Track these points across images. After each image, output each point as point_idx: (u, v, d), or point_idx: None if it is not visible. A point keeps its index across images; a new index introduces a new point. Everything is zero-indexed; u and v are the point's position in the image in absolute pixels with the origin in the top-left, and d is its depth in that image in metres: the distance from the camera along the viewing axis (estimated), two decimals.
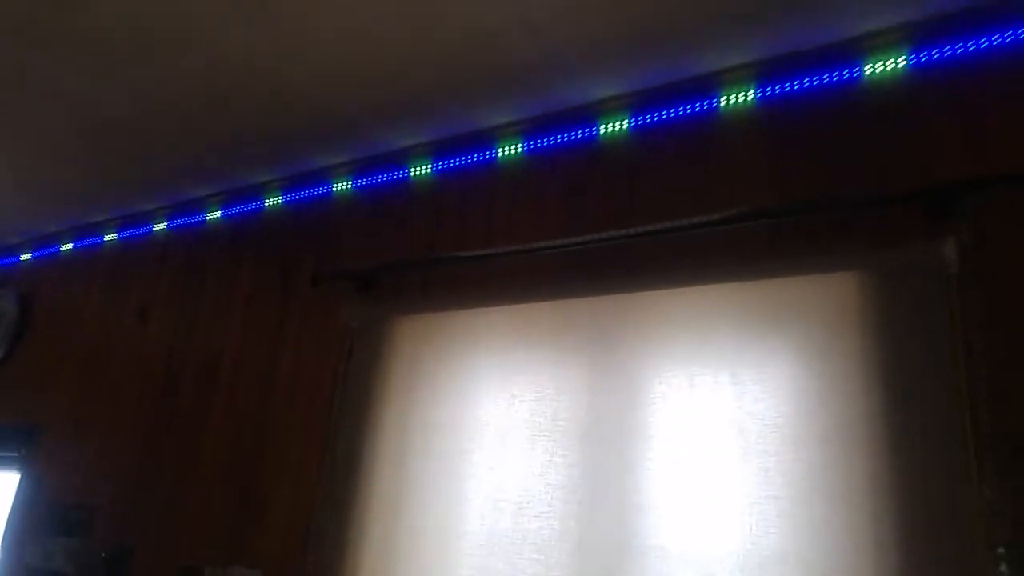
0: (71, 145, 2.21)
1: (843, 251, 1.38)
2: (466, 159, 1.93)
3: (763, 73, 1.56)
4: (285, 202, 2.26)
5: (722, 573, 1.28)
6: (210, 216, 2.43)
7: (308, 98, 1.86)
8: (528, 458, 1.55)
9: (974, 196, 1.28)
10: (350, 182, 2.12)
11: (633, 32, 1.53)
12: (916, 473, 1.20)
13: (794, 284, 1.40)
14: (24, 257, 2.97)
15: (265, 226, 2.28)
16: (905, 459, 1.22)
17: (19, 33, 1.70)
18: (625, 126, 1.71)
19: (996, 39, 1.35)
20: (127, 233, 2.64)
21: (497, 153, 1.88)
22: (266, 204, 2.30)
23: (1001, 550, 1.10)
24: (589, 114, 1.76)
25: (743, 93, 1.58)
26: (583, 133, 1.76)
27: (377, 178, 2.08)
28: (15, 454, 2.48)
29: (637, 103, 1.70)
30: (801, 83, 1.52)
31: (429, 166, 1.99)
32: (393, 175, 2.04)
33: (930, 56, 1.41)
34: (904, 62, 1.43)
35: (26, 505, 2.37)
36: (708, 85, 1.62)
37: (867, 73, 1.46)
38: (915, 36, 1.43)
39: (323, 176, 2.17)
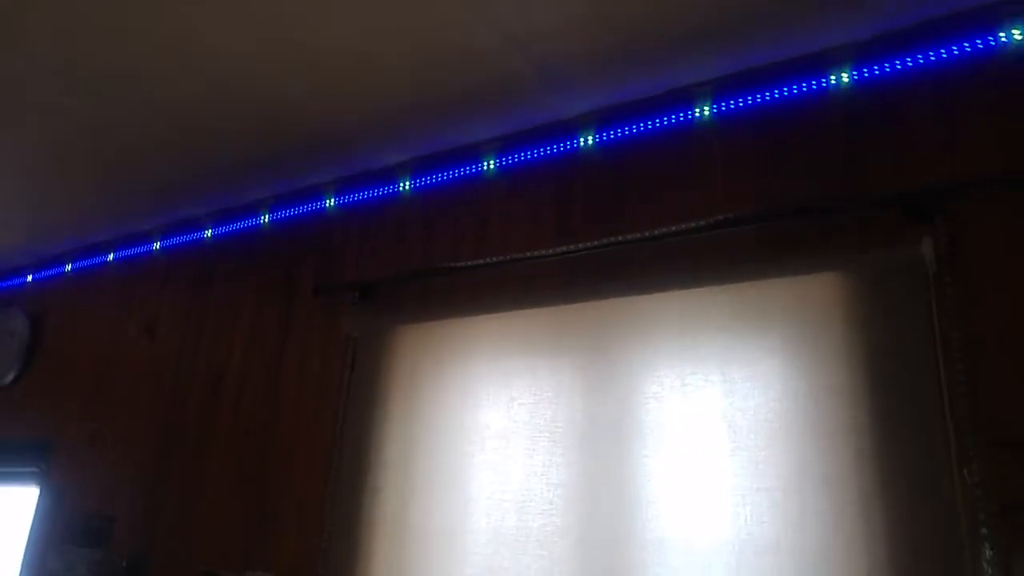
0: (76, 168, 2.24)
1: (826, 253, 1.41)
2: (459, 172, 1.95)
3: (747, 83, 1.59)
4: (285, 218, 2.28)
5: (718, 563, 1.32)
6: (212, 233, 2.44)
7: (306, 116, 1.90)
8: (529, 459, 1.58)
9: (949, 199, 1.32)
10: (347, 197, 2.15)
11: (618, 46, 1.56)
12: (900, 461, 1.24)
13: (780, 285, 1.43)
14: (32, 277, 2.96)
15: (266, 242, 2.30)
16: (889, 448, 1.26)
17: (23, 55, 1.73)
18: (612, 136, 1.73)
19: (974, 45, 1.39)
20: (132, 251, 2.65)
21: (488, 165, 1.90)
22: (266, 220, 2.31)
23: (984, 530, 1.14)
24: (576, 126, 1.78)
25: (726, 102, 1.60)
26: (570, 144, 1.78)
27: (373, 192, 2.10)
28: (34, 469, 2.50)
29: (622, 114, 1.73)
30: (782, 92, 1.54)
31: (423, 179, 2.01)
32: (388, 189, 2.06)
33: (915, 62, 1.43)
34: (883, 69, 1.45)
35: (46, 518, 2.40)
36: (691, 95, 1.65)
37: (847, 80, 1.48)
38: (894, 42, 1.46)
39: (321, 191, 2.20)
